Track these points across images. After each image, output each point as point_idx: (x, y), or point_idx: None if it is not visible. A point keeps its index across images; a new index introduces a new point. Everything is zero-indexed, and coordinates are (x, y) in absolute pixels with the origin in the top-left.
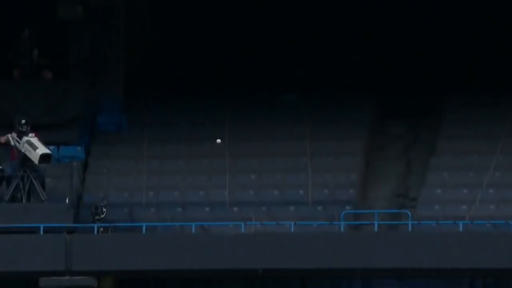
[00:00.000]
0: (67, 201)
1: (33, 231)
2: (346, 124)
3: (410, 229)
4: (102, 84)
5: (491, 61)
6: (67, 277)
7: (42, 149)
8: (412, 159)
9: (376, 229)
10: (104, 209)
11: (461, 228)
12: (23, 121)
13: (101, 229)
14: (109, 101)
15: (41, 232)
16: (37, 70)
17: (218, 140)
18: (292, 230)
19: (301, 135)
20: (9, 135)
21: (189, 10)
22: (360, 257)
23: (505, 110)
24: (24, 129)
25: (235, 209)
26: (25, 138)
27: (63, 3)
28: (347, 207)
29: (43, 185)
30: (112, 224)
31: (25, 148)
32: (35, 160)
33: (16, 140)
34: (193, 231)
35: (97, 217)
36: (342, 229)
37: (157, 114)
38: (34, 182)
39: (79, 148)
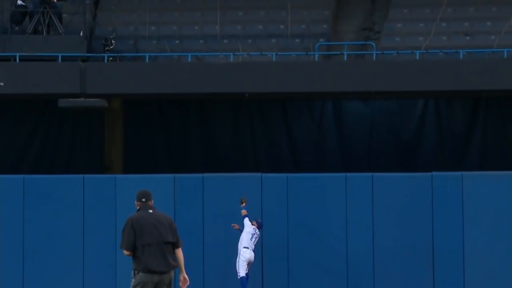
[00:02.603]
0: (81, 33)
1: (52, 59)
2: None
3: (374, 58)
4: None
5: None
6: (82, 99)
7: None
8: None
9: (345, 58)
10: (113, 41)
11: (417, 57)
12: None
13: (111, 58)
14: None
15: (59, 60)
16: None
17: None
18: (274, 59)
19: None
20: None
21: None
22: (331, 82)
23: None
24: None
25: (225, 41)
26: None
27: None
28: (321, 39)
29: (60, 19)
30: (119, 54)
31: None
32: None
33: None
34: (189, 60)
35: (107, 48)
36: (316, 59)
37: None
38: (53, 17)
39: None
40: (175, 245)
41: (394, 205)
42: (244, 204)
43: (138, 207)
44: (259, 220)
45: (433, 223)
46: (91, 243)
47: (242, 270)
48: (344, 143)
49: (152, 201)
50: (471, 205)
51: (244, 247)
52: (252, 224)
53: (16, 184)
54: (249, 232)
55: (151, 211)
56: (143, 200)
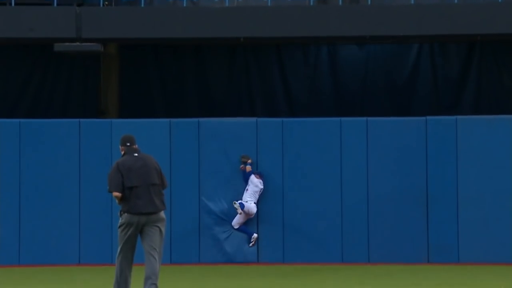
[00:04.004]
0: None
1: (47, 3)
2: None
3: (369, 2)
4: None
5: None
6: (78, 43)
7: None
8: None
9: (340, 3)
10: None
11: (412, 1)
12: None
13: (106, 2)
14: None
15: (55, 4)
16: None
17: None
18: (269, 4)
19: None
20: None
21: None
22: (326, 27)
23: None
24: None
25: None
26: None
27: None
28: None
29: None
30: None
31: None
32: None
33: None
34: (184, 4)
35: None
36: (311, 3)
37: None
38: None
39: None
40: (162, 187)
41: (389, 149)
42: (250, 161)
43: (122, 152)
44: (259, 172)
45: (427, 167)
46: (86, 187)
47: (237, 223)
48: (339, 88)
49: (137, 145)
50: (465, 149)
51: (254, 203)
52: (256, 178)
53: (12, 128)
54: (256, 192)
55: (136, 154)
56: (128, 144)
